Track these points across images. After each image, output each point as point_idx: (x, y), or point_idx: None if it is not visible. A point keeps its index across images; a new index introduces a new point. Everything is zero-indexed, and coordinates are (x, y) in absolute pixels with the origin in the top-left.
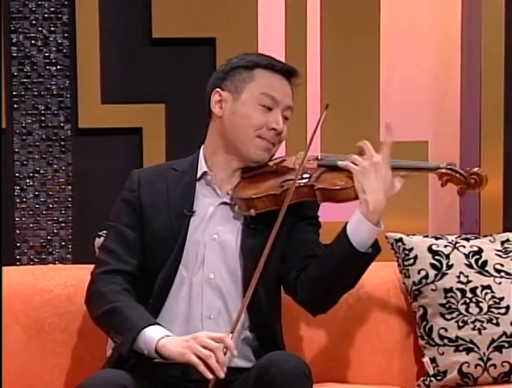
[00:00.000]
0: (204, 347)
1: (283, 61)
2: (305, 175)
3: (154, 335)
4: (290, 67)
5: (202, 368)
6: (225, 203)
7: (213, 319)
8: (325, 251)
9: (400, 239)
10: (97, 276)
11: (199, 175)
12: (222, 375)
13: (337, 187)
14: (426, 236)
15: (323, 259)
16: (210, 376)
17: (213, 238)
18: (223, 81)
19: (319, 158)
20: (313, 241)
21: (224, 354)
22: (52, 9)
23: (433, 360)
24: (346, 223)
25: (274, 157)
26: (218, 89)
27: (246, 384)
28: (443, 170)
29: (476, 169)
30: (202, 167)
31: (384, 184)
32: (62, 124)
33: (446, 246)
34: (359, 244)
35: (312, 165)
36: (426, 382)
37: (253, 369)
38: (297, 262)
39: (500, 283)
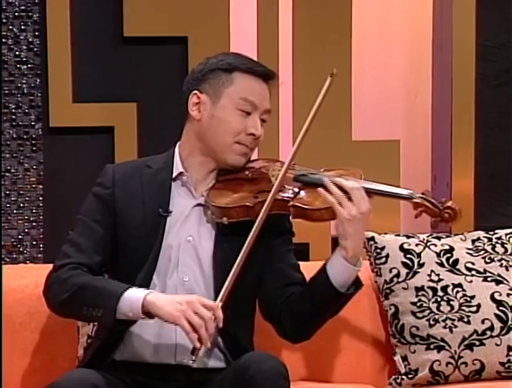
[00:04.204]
0: (197, 314)
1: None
2: (281, 187)
3: (138, 295)
4: (269, 71)
5: (192, 335)
6: (200, 204)
7: None
8: (306, 288)
9: (372, 238)
10: (58, 267)
11: (174, 175)
12: (209, 345)
13: (314, 208)
14: (398, 235)
15: (305, 297)
16: (198, 345)
17: (188, 240)
18: (201, 83)
19: (296, 170)
20: (291, 264)
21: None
22: (22, 7)
23: (404, 359)
24: (327, 260)
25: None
26: (196, 91)
27: (223, 384)
28: (418, 201)
29: (450, 203)
30: (178, 167)
31: (366, 229)
32: (33, 123)
33: (417, 245)
34: (340, 285)
35: (290, 173)
36: (398, 380)
37: (230, 369)
38: (278, 292)
39: (471, 281)
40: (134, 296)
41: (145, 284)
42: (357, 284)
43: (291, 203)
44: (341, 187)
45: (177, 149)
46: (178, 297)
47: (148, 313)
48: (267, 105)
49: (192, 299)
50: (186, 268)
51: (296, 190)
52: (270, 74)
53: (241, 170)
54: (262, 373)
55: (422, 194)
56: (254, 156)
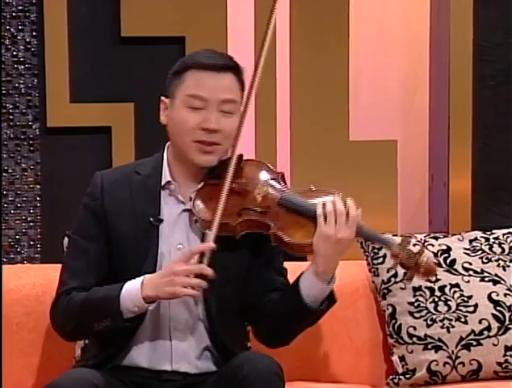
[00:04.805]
0: (186, 275)
1: (253, 59)
2: (264, 208)
3: (135, 289)
4: (222, 63)
5: (192, 293)
6: (188, 210)
7: (181, 331)
8: (280, 299)
9: None
10: (57, 297)
11: (163, 183)
12: (211, 274)
13: (294, 242)
14: (395, 235)
15: (280, 305)
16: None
17: (178, 247)
18: (167, 88)
19: (283, 191)
20: (276, 269)
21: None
22: (20, 7)
23: (402, 359)
24: (302, 273)
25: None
26: (163, 97)
27: (219, 384)
28: (396, 250)
29: (426, 258)
30: (166, 175)
31: (342, 255)
32: (30, 123)
33: (415, 245)
34: (311, 300)
35: (273, 195)
36: (395, 381)
37: (225, 370)
38: (258, 297)
39: (468, 281)
40: (132, 291)
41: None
42: (330, 300)
43: (272, 230)
44: (334, 206)
45: (165, 153)
46: (161, 274)
47: (151, 301)
48: (223, 95)
49: (171, 267)
50: None
51: (280, 214)
52: (222, 65)
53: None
54: (257, 372)
55: (403, 241)
56: (252, 156)
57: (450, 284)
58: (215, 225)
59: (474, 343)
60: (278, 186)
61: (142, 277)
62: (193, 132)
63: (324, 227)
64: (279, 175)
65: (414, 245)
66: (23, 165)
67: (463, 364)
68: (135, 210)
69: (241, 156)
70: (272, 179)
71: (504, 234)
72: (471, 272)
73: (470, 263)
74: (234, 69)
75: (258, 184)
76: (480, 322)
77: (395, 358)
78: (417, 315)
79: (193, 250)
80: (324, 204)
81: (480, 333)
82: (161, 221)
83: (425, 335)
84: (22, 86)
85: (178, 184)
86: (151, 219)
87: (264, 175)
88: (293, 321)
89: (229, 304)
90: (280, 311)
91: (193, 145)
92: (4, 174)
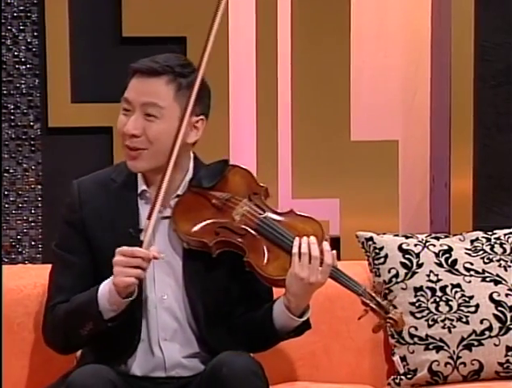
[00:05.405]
0: (129, 266)
1: (254, 61)
2: (241, 231)
3: (108, 288)
4: (151, 67)
5: (141, 275)
6: (167, 217)
7: (169, 341)
8: (257, 316)
9: (371, 238)
10: (46, 313)
11: (139, 192)
12: (160, 255)
13: (267, 275)
14: (397, 235)
15: (257, 318)
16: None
17: (161, 256)
18: None
19: (262, 220)
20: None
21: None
22: (21, 8)
23: (403, 359)
24: (277, 298)
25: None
26: None
27: (200, 384)
28: (365, 300)
29: (393, 312)
30: (141, 184)
31: (311, 295)
32: (32, 124)
33: (416, 245)
34: (280, 327)
35: (252, 219)
36: (397, 381)
37: (205, 370)
38: (239, 302)
39: (469, 281)
40: (106, 290)
41: (127, 306)
42: (304, 327)
43: (246, 258)
44: (309, 249)
45: None
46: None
47: (124, 293)
48: (144, 99)
49: (114, 259)
50: (163, 286)
51: (256, 238)
52: (150, 69)
53: (211, 189)
54: (234, 372)
55: (371, 295)
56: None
57: (451, 284)
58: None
59: (475, 343)
60: (258, 208)
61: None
62: (121, 136)
63: (297, 268)
64: (262, 190)
65: (387, 298)
66: (25, 165)
67: (464, 364)
68: (114, 222)
69: (226, 161)
70: (255, 195)
71: (505, 234)
72: (472, 273)
73: (471, 264)
74: (166, 74)
75: (239, 203)
76: (481, 322)
77: (396, 358)
78: (418, 315)
79: (134, 253)
80: (299, 245)
81: (482, 333)
82: (140, 231)
83: (427, 336)
84: (23, 86)
85: (155, 190)
86: (131, 230)
87: (247, 190)
88: (267, 338)
89: (217, 310)
90: (256, 324)
91: (124, 150)
92: (5, 174)
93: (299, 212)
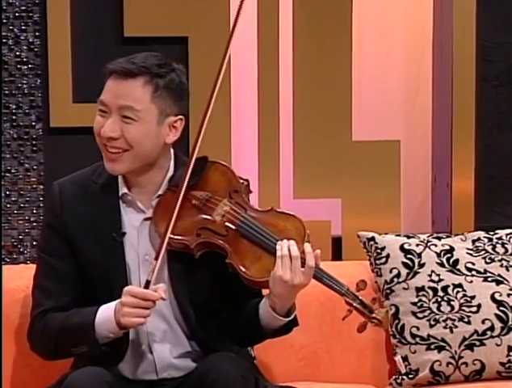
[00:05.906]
0: (136, 308)
1: (256, 60)
2: (222, 231)
3: (109, 316)
4: (126, 69)
5: (149, 315)
6: (150, 218)
7: (159, 342)
8: (244, 314)
9: (373, 238)
10: (33, 319)
11: (120, 194)
12: (164, 296)
13: (250, 277)
14: (398, 235)
15: (245, 316)
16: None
17: (146, 258)
18: None
19: (242, 221)
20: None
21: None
22: (23, 8)
23: (405, 359)
24: (264, 298)
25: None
26: None
27: (190, 385)
28: (348, 300)
29: (376, 311)
30: (121, 186)
31: (295, 296)
32: (33, 124)
33: (418, 245)
34: (266, 326)
35: (232, 219)
36: (398, 381)
37: (193, 374)
38: (229, 301)
39: (471, 281)
40: (106, 319)
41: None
42: (291, 324)
43: (228, 259)
44: (289, 252)
45: None
46: (114, 305)
47: (124, 328)
48: (120, 102)
49: (123, 300)
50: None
51: (238, 239)
52: (125, 71)
53: (192, 188)
54: (221, 375)
55: (355, 295)
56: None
57: (453, 284)
58: (160, 254)
59: (477, 343)
60: (238, 208)
61: (115, 303)
62: (98, 137)
63: (279, 271)
64: (243, 185)
65: (374, 300)
66: (26, 165)
67: (466, 364)
68: (96, 226)
69: (205, 158)
70: (235, 192)
71: (507, 234)
72: (474, 272)
73: (473, 264)
74: (142, 75)
75: (219, 203)
76: (483, 322)
77: (398, 358)
78: (420, 315)
79: (145, 296)
80: (281, 247)
81: (483, 333)
82: (123, 234)
83: (429, 335)
84: (25, 86)
85: (136, 191)
86: (114, 234)
87: (227, 187)
88: (251, 336)
89: (206, 307)
90: (242, 323)
91: (103, 151)
92: (7, 174)
93: (280, 210)
